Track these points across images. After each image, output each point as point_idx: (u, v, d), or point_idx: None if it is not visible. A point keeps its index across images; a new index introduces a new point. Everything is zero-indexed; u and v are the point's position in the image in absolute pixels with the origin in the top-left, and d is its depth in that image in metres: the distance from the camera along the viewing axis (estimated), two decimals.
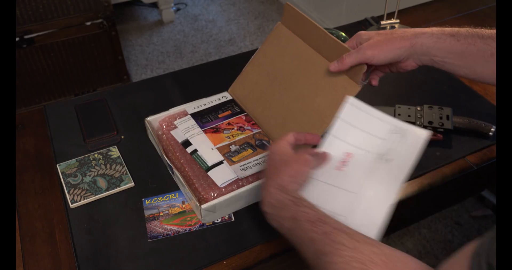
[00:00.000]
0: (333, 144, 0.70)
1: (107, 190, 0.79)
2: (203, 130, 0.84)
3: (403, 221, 1.02)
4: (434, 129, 0.86)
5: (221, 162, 0.78)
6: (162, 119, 0.86)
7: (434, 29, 0.67)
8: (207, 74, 1.06)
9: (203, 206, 0.70)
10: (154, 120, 0.87)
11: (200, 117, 0.86)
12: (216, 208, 0.72)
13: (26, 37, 1.75)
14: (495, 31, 0.66)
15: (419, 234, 1.56)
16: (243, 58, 1.12)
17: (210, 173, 0.76)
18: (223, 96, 0.91)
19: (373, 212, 0.66)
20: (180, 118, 0.86)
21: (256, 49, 1.17)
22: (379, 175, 0.68)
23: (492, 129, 0.87)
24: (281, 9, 2.74)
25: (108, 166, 0.83)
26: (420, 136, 0.69)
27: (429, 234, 1.56)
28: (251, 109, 0.87)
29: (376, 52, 0.67)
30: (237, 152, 0.80)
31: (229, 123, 0.85)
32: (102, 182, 0.80)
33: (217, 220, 0.74)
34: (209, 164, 0.77)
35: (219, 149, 0.80)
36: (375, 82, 0.76)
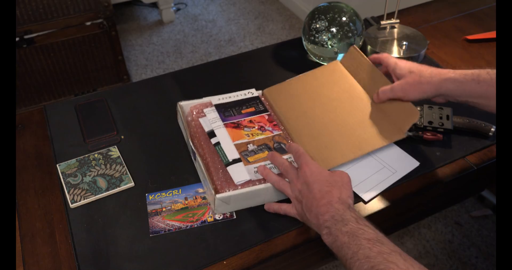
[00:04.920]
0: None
1: (107, 190, 0.79)
2: (224, 124, 0.84)
3: (403, 221, 1.02)
4: (434, 129, 0.86)
5: (239, 160, 0.78)
6: (194, 105, 0.88)
7: (457, 73, 0.74)
8: (207, 74, 1.06)
9: (218, 195, 0.71)
10: (186, 105, 0.88)
11: (224, 110, 0.87)
12: (231, 200, 0.73)
13: (26, 37, 1.76)
14: None
15: (419, 234, 1.57)
16: (243, 58, 1.12)
17: (229, 168, 0.77)
18: (249, 92, 0.92)
19: None
20: (210, 107, 0.88)
21: (256, 49, 1.17)
22: None
23: (492, 129, 0.87)
24: (281, 9, 2.74)
25: (108, 166, 0.83)
26: None
27: (429, 234, 1.56)
28: (283, 108, 0.88)
29: (405, 95, 0.78)
30: (254, 152, 0.79)
31: (250, 121, 0.85)
32: (102, 182, 0.80)
33: (219, 217, 0.75)
34: (230, 159, 0.78)
35: (236, 146, 0.80)
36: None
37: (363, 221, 0.61)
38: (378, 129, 0.80)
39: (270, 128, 0.84)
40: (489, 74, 0.71)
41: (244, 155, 0.78)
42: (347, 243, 0.58)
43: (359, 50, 0.85)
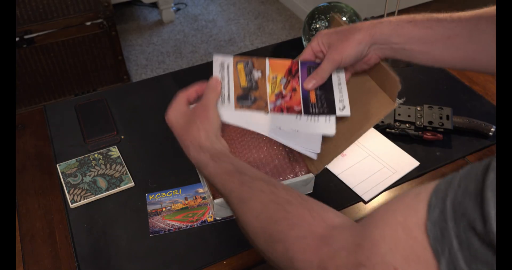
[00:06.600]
0: None
1: (107, 190, 0.79)
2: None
3: None
4: (434, 129, 0.86)
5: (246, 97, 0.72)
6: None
7: (391, 18, 0.68)
8: (207, 74, 1.06)
9: (216, 200, 0.71)
10: None
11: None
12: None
13: (26, 37, 1.76)
14: (450, 14, 0.70)
15: None
16: None
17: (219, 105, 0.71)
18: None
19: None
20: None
21: (256, 49, 1.17)
22: None
23: (492, 129, 0.87)
24: (281, 9, 2.74)
25: (108, 166, 0.83)
26: None
27: None
28: None
29: (342, 54, 0.67)
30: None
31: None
32: (102, 182, 0.80)
33: (219, 217, 0.75)
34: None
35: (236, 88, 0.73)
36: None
37: (219, 157, 0.60)
38: (369, 104, 0.73)
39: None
40: (425, 16, 0.69)
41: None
42: (215, 183, 0.58)
43: (340, 18, 0.80)
